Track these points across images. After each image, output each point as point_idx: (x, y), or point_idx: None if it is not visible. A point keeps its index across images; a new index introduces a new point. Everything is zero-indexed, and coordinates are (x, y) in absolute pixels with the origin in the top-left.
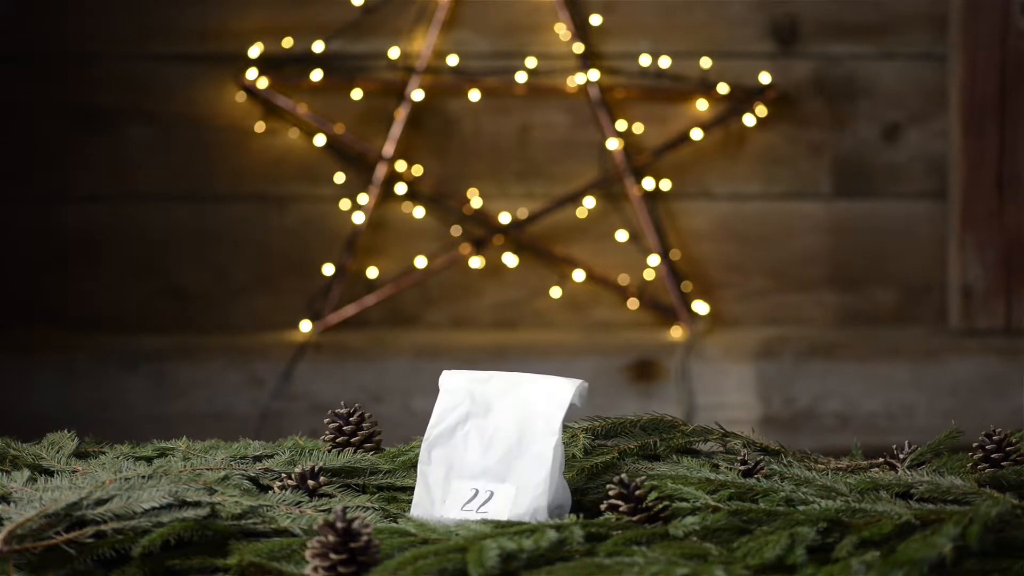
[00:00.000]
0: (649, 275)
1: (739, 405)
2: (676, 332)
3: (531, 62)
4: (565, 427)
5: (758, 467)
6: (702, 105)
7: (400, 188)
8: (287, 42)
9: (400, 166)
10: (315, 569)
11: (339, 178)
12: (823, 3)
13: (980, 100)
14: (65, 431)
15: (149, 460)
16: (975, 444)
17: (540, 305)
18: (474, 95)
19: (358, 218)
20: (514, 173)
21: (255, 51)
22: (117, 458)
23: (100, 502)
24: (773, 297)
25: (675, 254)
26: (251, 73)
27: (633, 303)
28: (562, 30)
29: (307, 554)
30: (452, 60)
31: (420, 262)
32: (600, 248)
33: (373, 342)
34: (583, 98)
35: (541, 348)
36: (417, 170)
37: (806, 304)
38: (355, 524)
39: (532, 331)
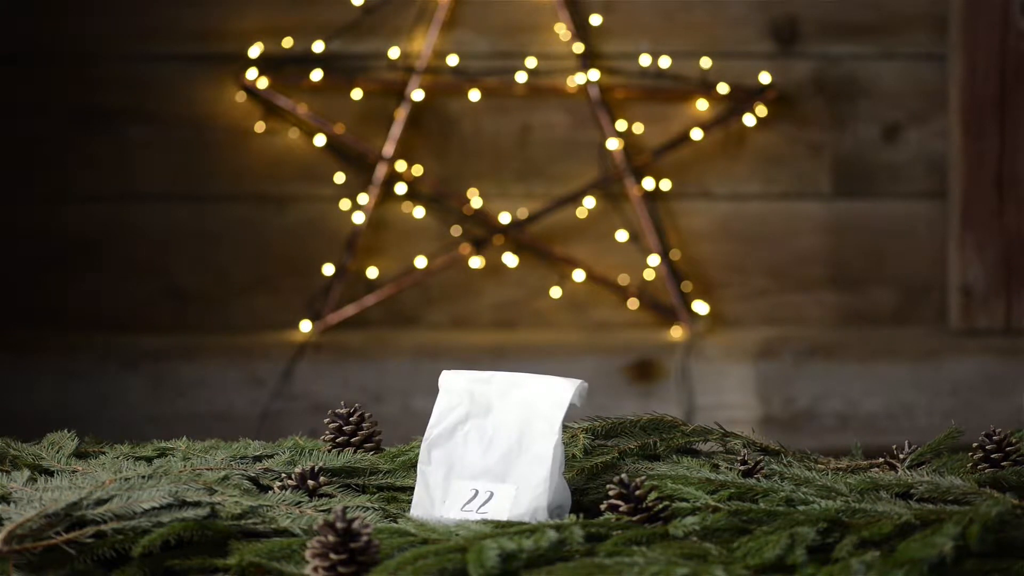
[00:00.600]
0: (649, 275)
1: (739, 405)
2: (676, 332)
3: (531, 62)
4: (565, 427)
5: (758, 467)
6: (702, 105)
7: (400, 188)
8: (287, 42)
9: (400, 166)
10: (315, 569)
11: (339, 178)
12: (823, 3)
13: (980, 100)
14: (65, 431)
15: (149, 460)
16: (975, 444)
17: (540, 305)
18: (474, 95)
19: (358, 218)
20: (514, 173)
21: (255, 51)
22: (117, 458)
23: (100, 502)
24: (773, 297)
25: (675, 254)
26: (251, 73)
27: (633, 303)
28: (562, 30)
29: (307, 554)
30: (452, 60)
31: (420, 262)
32: (600, 248)
33: (373, 342)
34: (583, 98)
35: (541, 348)
36: (417, 170)
37: (806, 304)
38: (355, 524)
39: (532, 331)
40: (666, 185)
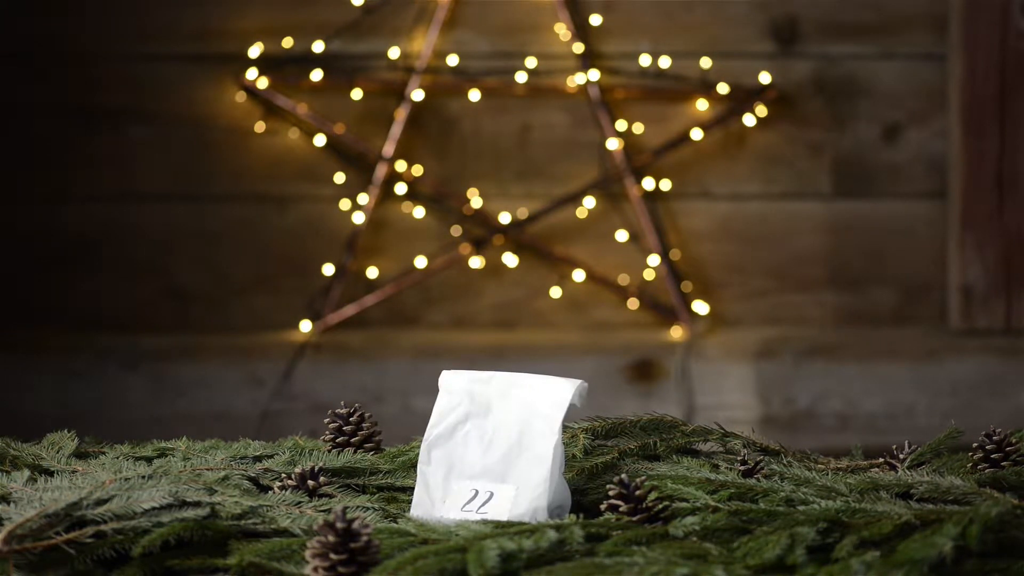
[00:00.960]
0: (649, 275)
1: (739, 405)
2: (676, 332)
3: (531, 62)
4: (565, 427)
5: (758, 467)
6: (702, 105)
7: (400, 188)
8: (287, 42)
9: (400, 166)
10: (315, 569)
11: (339, 178)
12: (823, 3)
13: (980, 100)
14: (65, 431)
15: (149, 460)
16: (975, 444)
17: (540, 305)
18: (474, 95)
19: (358, 218)
20: (514, 173)
21: (255, 51)
22: (117, 458)
23: (100, 502)
24: (773, 297)
25: (675, 254)
26: (251, 73)
27: (633, 303)
28: (562, 30)
29: (307, 554)
30: (452, 60)
31: (420, 262)
32: (600, 248)
33: (373, 342)
34: (583, 98)
35: (541, 348)
36: (417, 170)
37: (806, 304)
38: (355, 524)
39: (532, 331)
40: (666, 185)
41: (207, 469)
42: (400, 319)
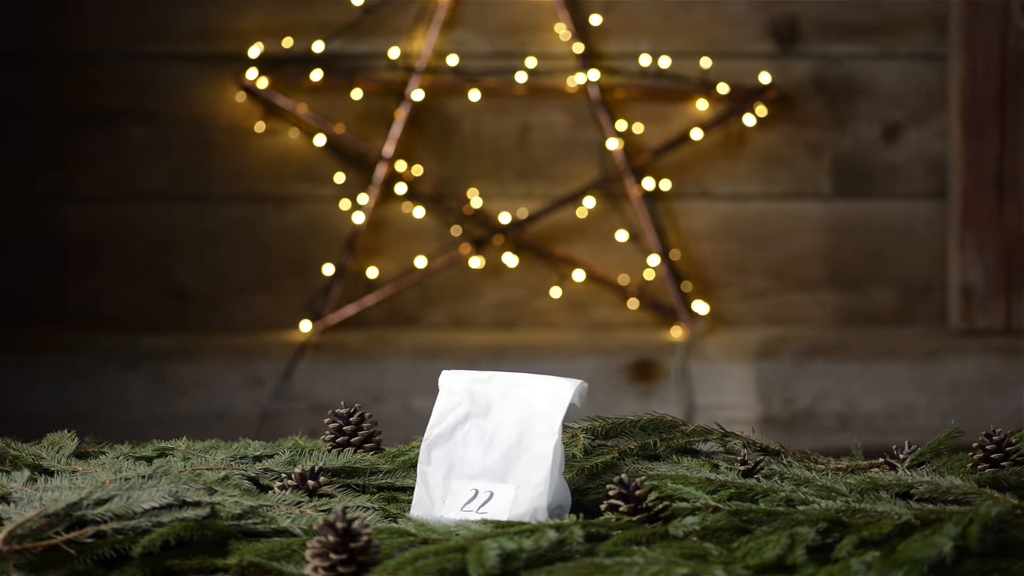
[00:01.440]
0: (649, 275)
1: (739, 405)
2: (676, 332)
3: (531, 62)
4: (565, 427)
5: (758, 467)
6: (702, 105)
7: (400, 188)
8: (287, 42)
9: (400, 166)
10: (315, 569)
11: (339, 178)
12: (823, 3)
13: (980, 100)
14: (65, 431)
15: (149, 460)
16: (975, 444)
17: (540, 305)
18: (474, 95)
19: (358, 218)
20: (514, 173)
21: (255, 51)
22: (117, 458)
23: (100, 502)
24: (773, 297)
25: (675, 254)
26: (251, 73)
27: (633, 303)
28: (562, 30)
29: (307, 554)
30: (452, 60)
31: (420, 262)
32: (600, 248)
33: (373, 342)
34: (583, 98)
35: (541, 348)
36: (417, 170)
37: (806, 304)
38: (355, 524)
39: (532, 331)
40: (666, 185)
41: (207, 469)
42: (400, 319)
